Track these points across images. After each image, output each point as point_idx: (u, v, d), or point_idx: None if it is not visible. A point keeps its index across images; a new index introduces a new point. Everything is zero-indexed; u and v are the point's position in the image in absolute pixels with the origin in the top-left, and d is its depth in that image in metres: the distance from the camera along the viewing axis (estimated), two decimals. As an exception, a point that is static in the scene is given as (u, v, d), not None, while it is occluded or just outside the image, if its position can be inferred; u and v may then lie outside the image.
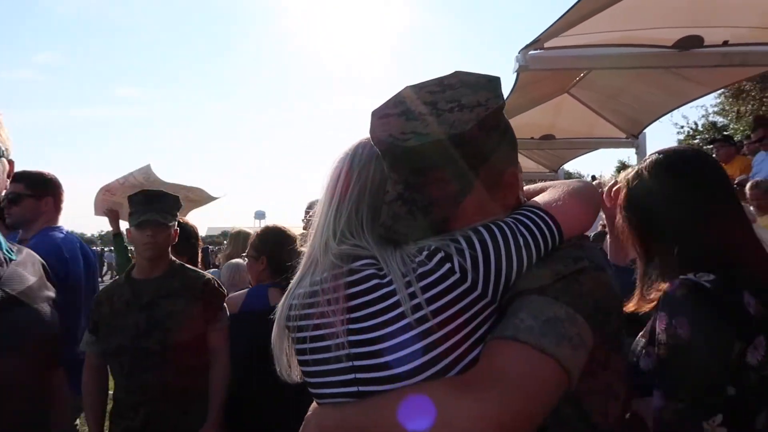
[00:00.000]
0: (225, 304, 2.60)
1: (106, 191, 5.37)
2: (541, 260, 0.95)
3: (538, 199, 1.05)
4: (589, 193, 1.09)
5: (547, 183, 1.16)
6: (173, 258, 2.57)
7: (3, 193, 1.31)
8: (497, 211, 1.00)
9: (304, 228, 2.60)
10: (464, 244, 0.91)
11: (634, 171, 1.59)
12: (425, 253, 0.92)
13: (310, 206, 4.26)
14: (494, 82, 0.99)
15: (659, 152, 1.57)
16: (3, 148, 1.39)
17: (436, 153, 0.92)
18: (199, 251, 3.43)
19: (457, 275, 0.90)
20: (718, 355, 1.23)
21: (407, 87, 1.03)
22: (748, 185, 5.06)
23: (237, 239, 4.73)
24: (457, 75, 1.00)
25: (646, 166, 1.55)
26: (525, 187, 1.15)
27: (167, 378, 2.29)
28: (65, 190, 3.05)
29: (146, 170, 5.48)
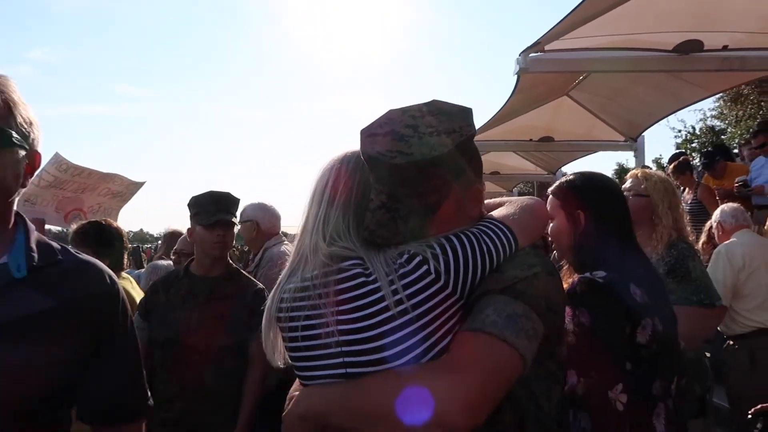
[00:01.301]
0: None
1: (26, 202, 5.28)
2: (502, 265, 1.13)
3: (497, 213, 1.26)
4: (539, 209, 1.31)
5: (504, 198, 1.37)
6: (230, 261, 2.62)
7: (21, 191, 1.17)
8: (465, 221, 1.19)
9: None
10: (438, 250, 1.09)
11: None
12: (405, 256, 1.09)
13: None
14: (467, 112, 1.17)
15: (573, 175, 1.95)
16: (23, 134, 1.13)
17: (418, 170, 1.08)
18: (125, 254, 3.31)
19: (433, 276, 1.07)
20: (614, 336, 1.55)
21: (391, 110, 1.18)
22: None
23: (171, 239, 4.57)
24: (435, 103, 1.17)
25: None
26: (486, 201, 1.34)
27: (205, 378, 2.32)
28: None
29: (56, 160, 5.35)
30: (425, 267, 1.07)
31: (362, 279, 1.09)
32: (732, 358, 3.83)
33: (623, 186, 2.72)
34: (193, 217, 2.47)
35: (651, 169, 3.07)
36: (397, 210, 1.11)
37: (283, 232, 3.78)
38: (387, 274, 1.07)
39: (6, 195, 1.14)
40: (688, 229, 2.60)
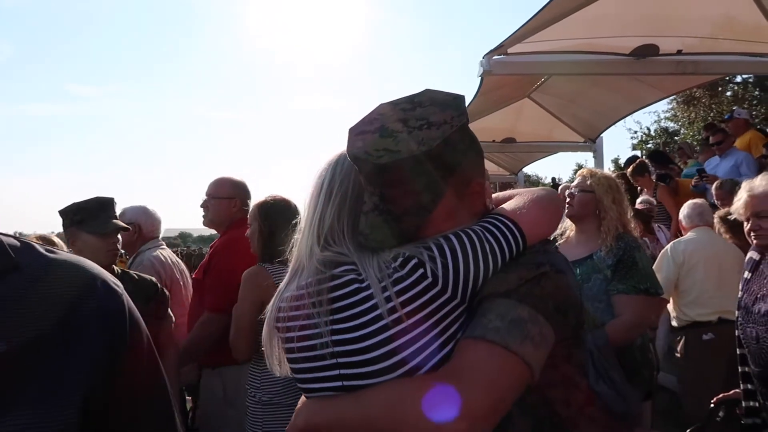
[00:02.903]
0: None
1: None
2: (507, 265, 1.04)
3: (505, 206, 1.15)
4: (552, 201, 1.19)
5: (514, 191, 1.24)
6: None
7: None
8: (465, 219, 1.10)
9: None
10: (436, 252, 1.01)
11: None
12: (400, 260, 1.01)
13: None
14: (459, 99, 1.09)
15: None
16: None
17: (407, 168, 1.01)
18: None
19: (429, 279, 0.99)
20: None
21: (382, 104, 1.11)
22: (713, 185, 5.21)
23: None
24: (427, 93, 1.10)
25: None
26: (494, 195, 1.23)
27: None
28: (13, 190, 3.00)
29: None
30: (421, 270, 1.00)
31: (356, 286, 1.03)
32: (675, 346, 4.03)
33: (572, 183, 2.86)
34: (77, 224, 2.34)
35: (610, 169, 3.21)
36: (390, 212, 1.05)
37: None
38: (380, 279, 1.00)
39: None
40: (633, 224, 2.76)
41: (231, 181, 3.10)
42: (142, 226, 3.53)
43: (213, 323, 2.65)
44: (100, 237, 2.34)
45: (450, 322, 1.01)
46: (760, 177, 2.31)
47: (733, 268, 3.85)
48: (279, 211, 2.67)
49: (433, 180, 1.04)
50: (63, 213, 2.41)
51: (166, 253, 3.49)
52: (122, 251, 3.31)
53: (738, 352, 2.38)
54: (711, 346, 3.80)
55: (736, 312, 2.38)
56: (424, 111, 1.06)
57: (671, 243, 4.18)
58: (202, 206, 3.06)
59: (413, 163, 1.01)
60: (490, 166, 12.46)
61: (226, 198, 3.01)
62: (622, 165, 8.74)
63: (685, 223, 4.27)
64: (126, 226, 2.48)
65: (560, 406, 1.07)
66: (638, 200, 5.79)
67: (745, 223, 2.31)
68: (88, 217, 2.34)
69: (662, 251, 4.19)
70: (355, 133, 1.08)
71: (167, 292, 2.64)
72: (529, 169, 19.91)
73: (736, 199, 2.36)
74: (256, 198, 2.89)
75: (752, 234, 2.29)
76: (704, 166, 6.52)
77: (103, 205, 2.42)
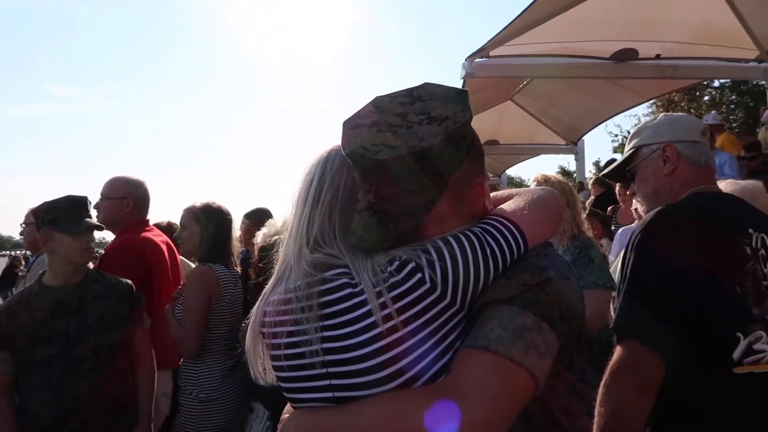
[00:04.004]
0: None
1: None
2: (509, 270, 0.98)
3: (505, 207, 1.08)
4: (553, 201, 1.13)
5: (513, 190, 1.19)
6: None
7: None
8: (465, 220, 1.03)
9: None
10: (434, 255, 0.94)
11: None
12: (396, 263, 0.94)
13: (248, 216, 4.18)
14: (462, 94, 1.02)
15: None
16: None
17: (407, 165, 0.94)
18: None
19: (428, 285, 0.92)
20: None
21: (378, 97, 1.05)
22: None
23: None
24: (427, 86, 1.03)
25: None
26: (492, 194, 1.17)
27: (100, 384, 2.22)
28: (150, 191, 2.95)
29: None
30: (419, 275, 0.93)
31: (349, 290, 0.96)
32: None
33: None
34: (50, 224, 2.28)
35: (591, 171, 3.29)
36: (386, 211, 0.98)
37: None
38: (374, 284, 0.93)
39: None
40: (586, 225, 2.87)
41: (124, 181, 2.99)
42: None
43: None
44: (73, 236, 2.27)
45: (449, 330, 0.94)
46: (746, 183, 2.31)
47: None
48: (221, 215, 2.71)
49: (433, 178, 0.97)
50: (35, 213, 2.37)
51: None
52: (99, 251, 3.25)
53: None
54: None
55: None
56: (424, 105, 0.99)
57: (621, 230, 4.20)
58: (95, 207, 2.93)
59: (413, 160, 0.93)
60: (473, 168, 12.52)
61: (118, 198, 2.91)
62: (602, 167, 8.88)
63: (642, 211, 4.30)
64: (100, 225, 2.40)
65: (561, 416, 1.02)
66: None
67: None
68: (60, 217, 2.27)
69: (614, 241, 4.21)
70: (350, 126, 1.01)
71: (143, 295, 2.59)
72: (512, 171, 20.09)
73: None
74: (183, 201, 2.84)
75: None
76: None
77: (76, 203, 2.36)
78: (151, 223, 3.07)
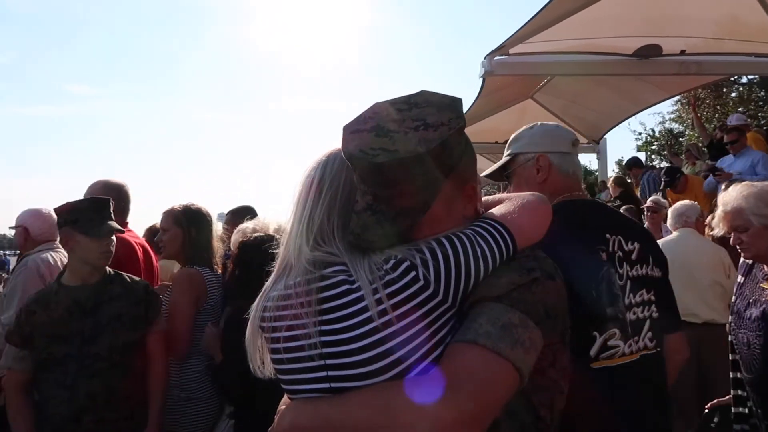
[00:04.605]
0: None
1: None
2: (498, 269, 1.04)
3: (495, 211, 1.15)
4: (541, 206, 1.19)
5: (503, 195, 1.25)
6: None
7: None
8: (458, 222, 1.10)
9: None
10: (428, 255, 1.00)
11: None
12: (392, 262, 1.01)
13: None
14: (457, 102, 1.09)
15: None
16: None
17: (404, 168, 1.00)
18: None
19: (421, 282, 0.99)
20: None
21: (377, 103, 1.10)
22: (723, 185, 5.16)
23: None
24: (423, 94, 1.09)
25: None
26: (483, 198, 1.24)
27: (114, 383, 2.26)
28: (14, 191, 2.96)
29: None
30: (413, 273, 0.99)
31: (346, 287, 1.02)
32: None
33: None
34: (72, 224, 2.32)
35: (614, 170, 3.20)
36: (383, 212, 1.03)
37: None
38: (371, 281, 0.99)
39: None
40: None
41: (103, 183, 3.01)
42: (29, 229, 3.43)
43: None
44: (93, 238, 2.31)
45: (440, 325, 1.01)
46: (731, 189, 2.30)
47: (711, 268, 3.84)
48: (201, 217, 2.73)
49: (428, 181, 1.04)
50: (58, 212, 2.40)
51: (57, 255, 3.39)
52: None
53: (730, 358, 2.35)
54: None
55: (730, 317, 2.36)
56: (420, 112, 1.05)
57: None
58: None
59: (410, 164, 1.00)
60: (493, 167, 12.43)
61: None
62: (624, 165, 8.81)
63: (669, 225, 4.27)
64: (121, 228, 2.44)
65: (544, 411, 1.07)
66: (649, 199, 5.75)
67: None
68: (82, 218, 2.31)
69: None
70: (350, 131, 1.07)
71: (160, 296, 2.60)
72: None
73: (716, 213, 2.35)
74: (164, 204, 2.83)
75: (737, 247, 2.28)
76: (718, 164, 6.47)
77: (99, 205, 2.40)
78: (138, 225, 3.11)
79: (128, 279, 2.48)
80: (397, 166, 1.00)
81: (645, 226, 5.18)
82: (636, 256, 1.68)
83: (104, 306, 2.32)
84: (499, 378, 0.95)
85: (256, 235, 2.44)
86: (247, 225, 2.67)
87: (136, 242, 2.95)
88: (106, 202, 2.43)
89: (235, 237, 2.67)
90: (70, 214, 2.34)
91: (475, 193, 1.15)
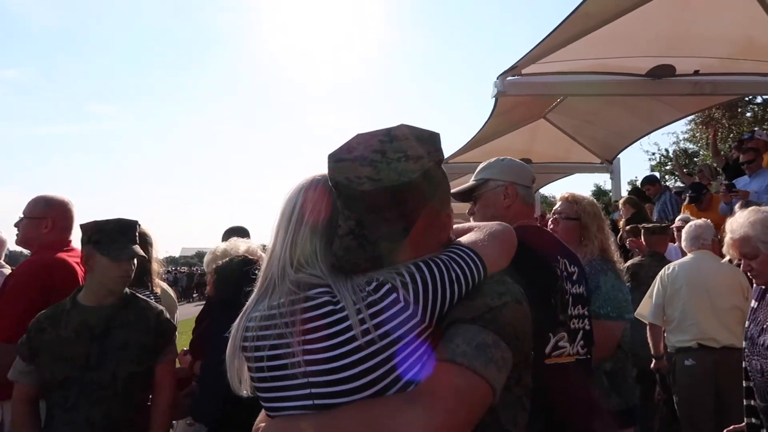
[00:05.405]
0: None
1: None
2: (471, 293, 1.13)
3: (465, 238, 1.25)
4: (508, 235, 1.30)
5: (472, 224, 1.37)
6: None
7: None
8: (434, 247, 1.18)
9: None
10: (408, 278, 1.07)
11: None
12: (374, 284, 1.07)
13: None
14: (435, 136, 1.18)
15: None
16: None
17: (386, 196, 1.07)
18: None
19: (402, 304, 1.05)
20: None
21: (360, 134, 1.18)
22: (737, 205, 5.05)
23: None
24: (402, 128, 1.16)
25: None
26: (454, 227, 1.33)
27: (113, 412, 2.20)
28: (76, 211, 2.95)
29: None
30: (394, 295, 1.06)
31: (330, 308, 1.08)
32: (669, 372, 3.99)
33: (554, 209, 2.85)
34: (94, 244, 2.29)
35: (628, 191, 3.18)
36: (365, 236, 1.10)
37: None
38: (354, 302, 1.05)
39: None
40: (613, 248, 2.74)
41: (45, 200, 2.92)
42: None
43: (2, 354, 2.41)
44: (114, 261, 2.28)
45: (418, 345, 1.07)
46: (738, 215, 2.29)
47: (730, 292, 3.76)
48: (143, 238, 2.69)
49: (408, 209, 1.11)
50: (83, 228, 2.37)
51: (5, 271, 3.34)
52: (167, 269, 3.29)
53: (744, 385, 2.30)
54: (693, 372, 3.71)
55: (743, 342, 2.31)
56: (401, 144, 1.12)
57: (664, 267, 4.10)
58: (15, 225, 2.93)
59: (392, 192, 1.07)
60: (505, 186, 12.39)
61: (37, 218, 2.84)
62: (639, 185, 8.71)
63: (684, 247, 4.19)
64: (143, 254, 2.40)
65: (509, 426, 1.16)
66: (677, 218, 5.65)
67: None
68: (105, 239, 2.28)
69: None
70: (335, 159, 1.14)
71: (174, 324, 2.53)
72: (546, 191, 19.87)
73: (724, 240, 2.34)
74: (213, 219, 2.83)
75: (748, 274, 2.26)
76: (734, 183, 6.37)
77: (124, 228, 2.36)
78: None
79: (143, 304, 2.43)
80: (381, 194, 1.07)
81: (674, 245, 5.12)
82: (575, 277, 2.00)
83: (113, 332, 2.27)
84: (474, 394, 1.02)
85: (226, 260, 2.48)
86: (218, 246, 2.65)
87: (76, 263, 2.80)
88: (132, 225, 2.39)
89: (207, 258, 2.65)
90: (93, 233, 2.31)
91: (450, 221, 1.25)
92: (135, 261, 2.39)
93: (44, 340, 2.22)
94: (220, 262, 2.62)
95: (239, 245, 2.70)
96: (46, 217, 2.84)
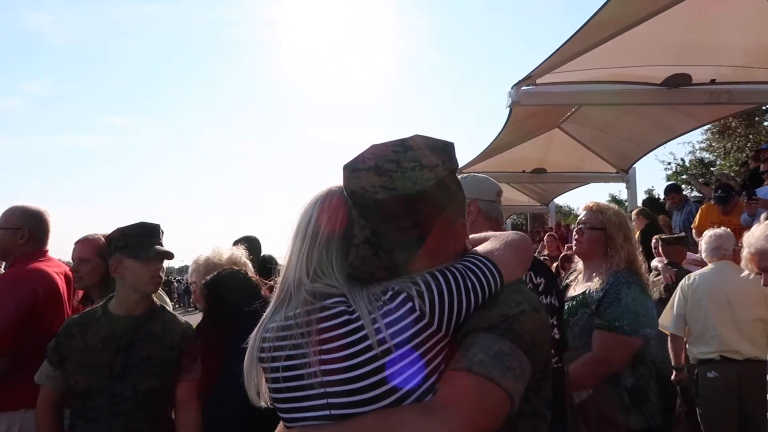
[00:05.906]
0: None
1: None
2: (488, 302, 1.12)
3: (482, 248, 1.24)
4: (524, 244, 1.30)
5: (489, 233, 1.35)
6: (153, 298, 2.44)
7: None
8: (449, 257, 1.17)
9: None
10: (423, 287, 1.07)
11: None
12: (389, 293, 1.07)
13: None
14: (449, 146, 1.17)
15: None
16: None
17: (401, 205, 1.07)
18: None
19: (417, 313, 1.05)
20: None
21: (374, 145, 1.18)
22: (762, 216, 4.97)
23: None
24: (416, 138, 1.17)
25: None
26: (470, 236, 1.33)
27: (135, 426, 2.17)
28: (51, 221, 2.94)
29: None
30: (410, 304, 1.05)
31: (346, 317, 1.07)
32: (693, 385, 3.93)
33: (578, 218, 2.77)
34: (121, 249, 2.28)
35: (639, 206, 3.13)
36: (381, 245, 1.10)
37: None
38: (370, 312, 1.05)
39: None
40: (640, 259, 2.64)
41: (21, 211, 2.88)
42: None
43: None
44: (142, 262, 2.26)
45: (435, 354, 1.06)
46: (754, 228, 2.26)
47: (752, 303, 3.69)
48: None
49: (423, 218, 1.11)
50: (108, 239, 2.37)
51: None
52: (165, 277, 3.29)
53: (767, 397, 2.26)
54: (716, 385, 3.65)
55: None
56: (415, 154, 1.13)
57: (685, 277, 4.04)
58: None
59: (408, 201, 1.07)
60: (520, 196, 12.37)
61: (12, 228, 2.80)
62: (663, 193, 8.56)
63: (704, 257, 4.13)
64: (171, 253, 2.37)
65: None
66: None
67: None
68: (132, 243, 2.27)
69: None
70: (350, 170, 1.14)
71: (199, 341, 2.48)
72: (561, 200, 19.72)
73: (742, 254, 2.32)
74: (224, 231, 2.80)
75: None
76: (756, 192, 6.28)
77: (148, 230, 2.36)
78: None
79: (170, 317, 2.40)
80: (396, 203, 1.06)
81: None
82: (543, 288, 2.01)
83: (138, 344, 2.25)
84: (492, 403, 1.02)
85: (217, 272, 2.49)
86: (201, 255, 2.63)
87: (56, 272, 2.78)
88: (156, 227, 2.38)
89: (191, 267, 2.64)
90: (120, 239, 2.30)
91: (465, 230, 1.24)
92: (163, 262, 2.36)
93: (72, 347, 2.21)
94: (207, 276, 2.58)
95: (222, 252, 2.67)
96: (22, 228, 2.82)
